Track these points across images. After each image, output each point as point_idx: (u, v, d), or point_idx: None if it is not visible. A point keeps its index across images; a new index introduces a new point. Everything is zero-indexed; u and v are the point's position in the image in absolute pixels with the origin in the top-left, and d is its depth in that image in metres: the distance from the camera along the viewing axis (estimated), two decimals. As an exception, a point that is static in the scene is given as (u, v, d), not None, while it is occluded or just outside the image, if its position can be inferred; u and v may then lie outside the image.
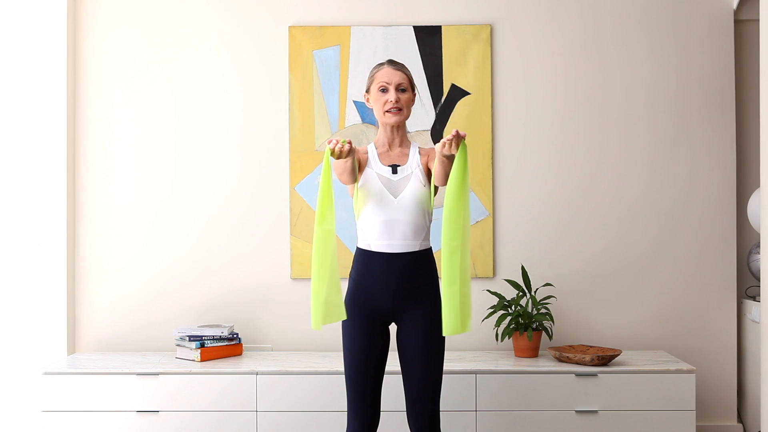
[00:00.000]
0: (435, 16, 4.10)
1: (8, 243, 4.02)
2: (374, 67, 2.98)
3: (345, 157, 2.70)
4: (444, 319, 2.72)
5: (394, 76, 2.91)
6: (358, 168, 2.89)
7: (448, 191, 2.71)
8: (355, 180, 2.86)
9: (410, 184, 2.87)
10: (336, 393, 3.53)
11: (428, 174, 2.93)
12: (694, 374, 3.56)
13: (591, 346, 3.85)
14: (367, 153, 2.94)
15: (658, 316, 4.07)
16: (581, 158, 4.08)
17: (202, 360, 3.76)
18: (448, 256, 2.71)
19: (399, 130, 2.95)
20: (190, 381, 3.60)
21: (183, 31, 4.13)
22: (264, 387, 3.59)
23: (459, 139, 2.64)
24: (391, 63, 2.95)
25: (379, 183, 2.87)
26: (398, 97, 2.90)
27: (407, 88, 2.93)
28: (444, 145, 2.66)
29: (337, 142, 2.66)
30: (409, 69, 3.00)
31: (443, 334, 2.74)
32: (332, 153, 2.67)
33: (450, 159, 2.73)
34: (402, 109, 2.91)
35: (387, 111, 2.90)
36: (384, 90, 2.91)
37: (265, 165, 4.11)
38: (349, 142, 2.67)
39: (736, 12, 4.08)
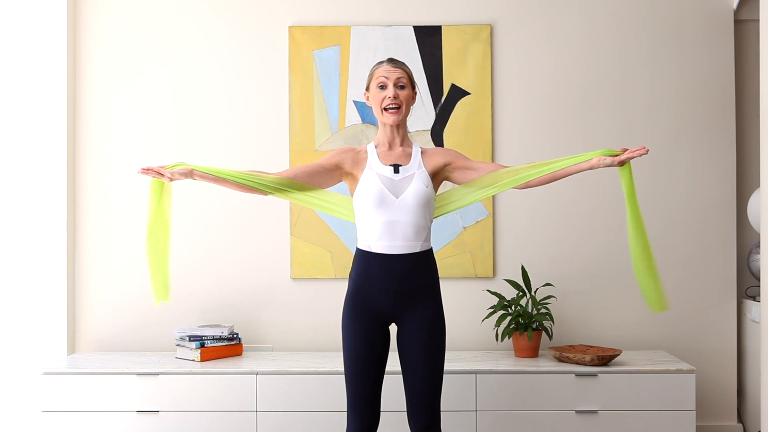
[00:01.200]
0: (435, 16, 4.10)
1: (8, 243, 4.02)
2: (374, 65, 2.97)
3: (181, 178, 2.89)
4: (649, 297, 2.94)
5: (394, 73, 2.89)
6: (338, 171, 2.93)
7: (630, 207, 2.98)
8: (258, 192, 3.01)
9: (413, 185, 2.85)
10: (336, 393, 3.53)
11: (433, 177, 2.92)
12: (694, 374, 3.57)
13: (591, 346, 3.85)
14: (366, 153, 2.93)
15: (658, 316, 4.07)
16: (581, 158, 4.08)
17: (202, 360, 3.77)
18: (641, 247, 2.95)
19: (399, 129, 2.93)
20: (190, 381, 3.60)
21: (183, 31, 4.13)
22: (264, 387, 3.59)
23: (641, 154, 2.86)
24: (391, 61, 2.94)
25: (380, 183, 2.85)
26: (396, 93, 2.87)
27: (406, 85, 2.90)
28: (616, 158, 2.88)
29: (149, 169, 2.88)
30: (409, 67, 2.98)
31: (652, 311, 2.97)
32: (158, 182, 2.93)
33: (612, 166, 2.92)
34: (400, 106, 2.88)
35: (385, 108, 2.89)
36: (383, 86, 2.89)
37: (265, 165, 4.09)
38: (157, 168, 2.89)
39: (736, 12, 4.08)
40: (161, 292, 3.07)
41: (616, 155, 2.87)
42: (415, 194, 2.84)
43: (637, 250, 2.93)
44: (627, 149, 2.88)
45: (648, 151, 2.86)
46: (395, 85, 2.88)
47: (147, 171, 2.86)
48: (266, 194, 3.00)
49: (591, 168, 2.89)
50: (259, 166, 4.09)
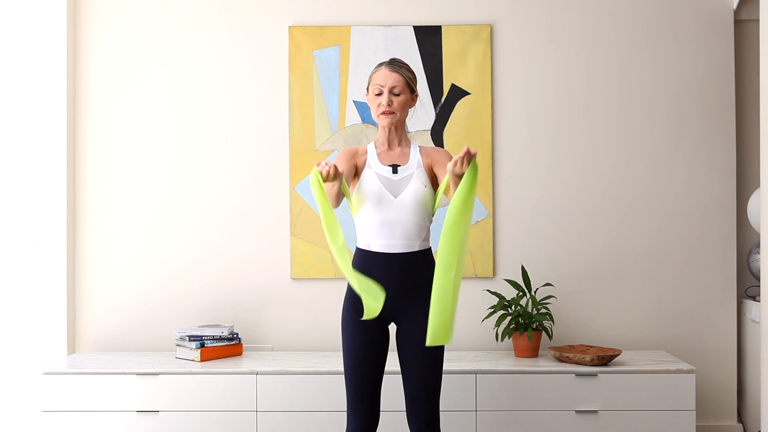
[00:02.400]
0: (435, 16, 4.10)
1: (8, 243, 4.02)
2: (375, 67, 2.98)
3: (332, 181, 2.68)
4: (429, 330, 2.67)
5: (389, 79, 2.90)
6: (356, 171, 2.91)
7: (452, 205, 2.65)
8: (338, 204, 2.81)
9: (411, 184, 2.87)
10: (336, 393, 3.53)
11: (430, 175, 2.92)
12: (694, 374, 3.56)
13: (591, 346, 3.85)
14: (366, 153, 2.94)
15: (658, 316, 4.07)
16: (581, 158, 4.08)
17: (202, 360, 3.76)
18: (444, 270, 2.66)
19: (398, 130, 2.95)
20: (190, 381, 3.60)
21: (183, 31, 4.13)
22: (264, 387, 3.59)
23: (470, 156, 2.61)
24: (390, 64, 2.94)
25: (379, 183, 2.86)
26: (390, 101, 2.89)
27: (402, 90, 2.90)
28: (456, 164, 2.63)
29: (325, 164, 2.64)
30: (411, 69, 2.97)
31: (426, 344, 2.69)
32: (321, 175, 2.65)
33: (461, 177, 2.66)
34: (394, 112, 2.89)
35: (380, 114, 2.91)
36: (378, 93, 2.91)
37: (265, 165, 4.11)
38: (335, 167, 2.65)
39: (736, 12, 4.08)
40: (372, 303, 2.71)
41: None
42: (414, 194, 2.85)
43: (448, 267, 2.67)
44: (460, 157, 2.63)
45: (470, 150, 2.59)
46: (390, 92, 2.89)
47: (331, 170, 2.64)
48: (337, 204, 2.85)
49: (452, 174, 2.68)
50: (258, 166, 4.12)
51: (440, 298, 2.67)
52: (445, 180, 2.82)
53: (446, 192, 2.84)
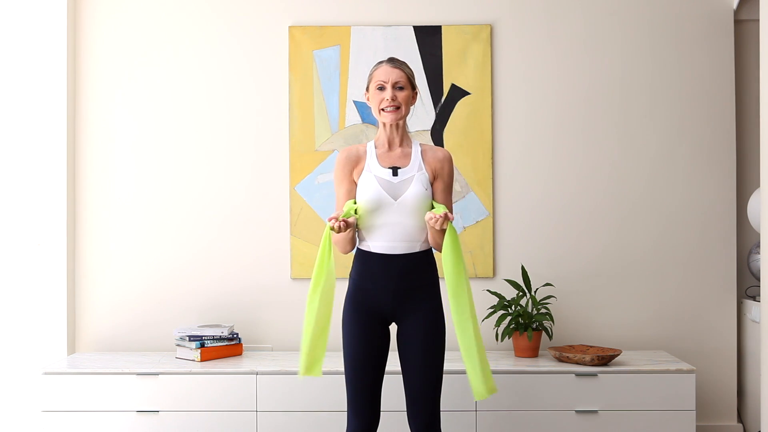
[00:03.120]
0: (435, 16, 4.10)
1: (8, 243, 4.02)
2: (374, 66, 2.97)
3: (345, 231, 2.76)
4: (473, 385, 2.81)
5: (392, 74, 2.89)
6: (355, 173, 2.92)
7: (447, 267, 2.78)
8: (353, 247, 2.92)
9: (412, 187, 2.85)
10: (336, 393, 3.53)
11: (432, 179, 2.91)
12: (694, 374, 3.56)
13: (591, 346, 3.85)
14: (364, 154, 2.92)
15: (658, 316, 4.07)
16: (581, 158, 4.08)
17: (202, 360, 3.76)
18: (462, 330, 2.81)
19: (399, 129, 2.93)
20: (190, 381, 3.60)
21: (183, 31, 4.13)
22: (264, 387, 3.59)
23: (446, 221, 2.73)
24: (390, 61, 2.94)
25: (378, 187, 2.84)
26: (395, 95, 2.88)
27: (405, 86, 2.90)
28: (431, 218, 2.74)
29: (336, 220, 2.72)
30: (410, 67, 2.98)
31: (476, 399, 2.91)
32: (332, 229, 2.74)
33: (440, 231, 2.80)
34: (399, 107, 2.89)
35: (383, 109, 2.89)
36: (381, 88, 2.89)
37: (265, 165, 4.11)
38: (345, 222, 2.73)
39: (736, 12, 4.08)
40: (311, 365, 2.80)
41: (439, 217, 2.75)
42: (414, 197, 2.84)
43: (465, 327, 2.80)
44: (439, 216, 2.73)
45: (448, 215, 2.72)
46: (393, 87, 2.89)
47: (342, 225, 2.74)
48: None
49: (431, 228, 2.80)
50: (259, 166, 4.12)
51: (468, 355, 2.81)
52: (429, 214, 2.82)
53: (432, 243, 2.90)
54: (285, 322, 4.09)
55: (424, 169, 2.89)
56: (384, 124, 2.93)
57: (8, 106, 4.03)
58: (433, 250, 2.93)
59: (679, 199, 4.08)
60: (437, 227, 2.74)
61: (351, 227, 2.78)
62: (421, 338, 2.83)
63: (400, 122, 2.93)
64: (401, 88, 2.90)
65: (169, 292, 4.10)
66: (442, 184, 2.92)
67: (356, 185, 2.91)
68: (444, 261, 2.79)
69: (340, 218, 2.74)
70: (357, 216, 2.85)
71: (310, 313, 2.79)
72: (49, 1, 4.03)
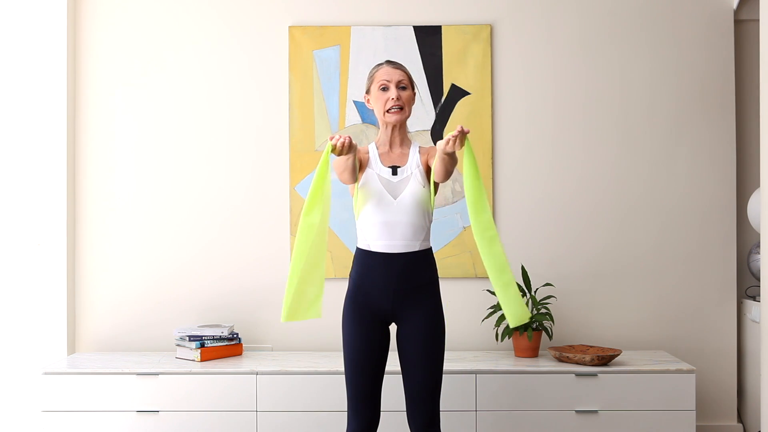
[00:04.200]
0: (435, 16, 4.10)
1: (8, 243, 4.02)
2: (373, 68, 2.98)
3: (346, 154, 2.72)
4: (508, 311, 2.75)
5: (394, 74, 2.90)
6: (359, 167, 2.90)
7: (468, 187, 2.74)
8: (355, 179, 2.86)
9: (410, 185, 2.87)
10: (336, 393, 3.53)
11: (428, 173, 2.92)
12: (694, 374, 3.57)
13: (591, 346, 3.85)
14: (368, 153, 2.94)
15: (658, 316, 4.07)
16: (581, 158, 4.08)
17: (202, 360, 3.76)
18: (489, 246, 2.74)
19: (399, 130, 2.95)
20: (190, 381, 3.60)
21: (183, 31, 4.13)
22: (264, 387, 3.59)
23: (463, 135, 2.66)
24: (390, 62, 2.95)
25: (379, 184, 2.87)
26: (399, 95, 2.89)
27: (407, 86, 2.92)
28: (448, 143, 2.66)
29: (340, 137, 2.68)
30: (407, 68, 2.99)
31: (511, 326, 2.90)
32: (334, 149, 2.69)
33: (451, 156, 2.74)
34: (403, 107, 2.90)
35: (388, 110, 2.90)
36: (385, 88, 2.90)
37: (265, 165, 4.11)
38: (350, 138, 2.70)
39: (736, 12, 4.08)
40: (307, 310, 2.77)
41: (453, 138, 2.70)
42: (413, 195, 2.85)
43: (485, 246, 2.74)
44: (453, 136, 2.68)
45: (463, 129, 2.65)
46: (397, 87, 2.89)
47: (346, 142, 2.67)
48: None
49: (442, 152, 2.72)
50: (259, 166, 4.12)
51: (499, 274, 2.75)
52: (434, 166, 2.81)
53: (437, 177, 2.82)
54: (285, 322, 4.08)
55: (421, 166, 2.90)
56: (387, 126, 2.93)
57: (8, 106, 4.03)
58: (432, 250, 2.93)
59: (679, 199, 4.08)
60: (457, 148, 2.66)
61: (353, 151, 2.74)
62: (421, 338, 2.83)
63: (402, 123, 2.94)
64: (404, 88, 2.91)
65: (169, 292, 4.10)
66: (433, 159, 2.89)
67: (359, 165, 2.89)
68: (466, 176, 2.73)
69: (347, 137, 2.68)
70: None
71: (305, 236, 2.74)
72: (49, 1, 4.03)
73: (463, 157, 2.74)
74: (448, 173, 2.78)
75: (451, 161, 2.75)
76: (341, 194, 3.83)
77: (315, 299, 2.79)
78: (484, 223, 2.75)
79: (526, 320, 2.79)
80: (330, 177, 2.79)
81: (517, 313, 2.77)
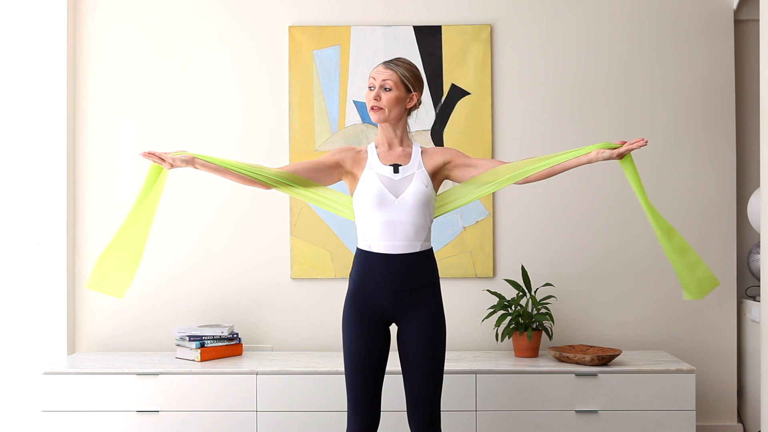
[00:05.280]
0: (435, 16, 4.10)
1: (8, 243, 4.02)
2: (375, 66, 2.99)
3: (182, 166, 2.85)
4: (692, 285, 3.01)
5: (381, 74, 2.88)
6: (339, 169, 2.92)
7: (643, 200, 2.94)
8: (247, 183, 2.95)
9: (412, 185, 2.85)
10: (336, 393, 3.53)
11: (433, 176, 2.91)
12: (694, 374, 3.57)
13: (591, 346, 3.85)
14: (366, 153, 2.93)
15: (658, 316, 4.07)
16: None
17: (202, 360, 3.76)
18: (668, 239, 2.94)
19: (397, 129, 2.93)
20: (190, 381, 3.60)
21: (183, 31, 4.13)
22: (264, 387, 3.59)
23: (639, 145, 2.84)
24: (387, 62, 2.92)
25: (380, 183, 2.85)
26: (378, 95, 2.86)
27: (394, 87, 2.87)
28: (615, 152, 2.88)
29: (151, 153, 2.84)
30: (410, 69, 2.91)
31: (698, 298, 3.04)
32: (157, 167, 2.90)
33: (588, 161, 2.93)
34: (382, 108, 2.87)
35: (369, 109, 2.90)
36: (371, 88, 2.90)
37: (265, 164, 4.10)
38: (151, 152, 2.85)
39: (736, 12, 4.08)
40: (116, 283, 2.95)
41: (615, 148, 2.86)
42: (415, 194, 2.84)
43: (664, 238, 2.93)
44: (626, 142, 2.89)
45: (647, 142, 2.85)
46: (381, 87, 2.88)
47: (149, 155, 2.83)
48: (268, 187, 2.95)
49: (589, 162, 2.91)
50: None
51: (677, 253, 2.96)
52: (516, 169, 2.92)
53: (454, 178, 2.95)
54: (285, 322, 4.09)
55: (424, 167, 2.89)
56: (380, 125, 2.93)
57: (8, 106, 4.03)
58: (433, 251, 2.93)
59: (679, 199, 4.08)
60: (620, 156, 2.89)
61: (182, 163, 2.86)
62: (422, 339, 2.82)
63: (400, 122, 2.92)
64: (388, 90, 2.88)
65: (169, 292, 4.10)
66: (460, 158, 2.94)
67: (343, 171, 2.92)
68: (639, 194, 2.94)
69: (158, 152, 2.84)
70: (212, 160, 2.89)
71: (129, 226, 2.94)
72: (49, 1, 4.03)
73: (632, 168, 2.94)
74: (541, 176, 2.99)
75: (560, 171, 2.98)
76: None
77: (125, 278, 2.93)
78: (661, 220, 2.94)
79: (714, 287, 3.04)
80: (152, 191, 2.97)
81: (703, 285, 3.04)
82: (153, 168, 2.91)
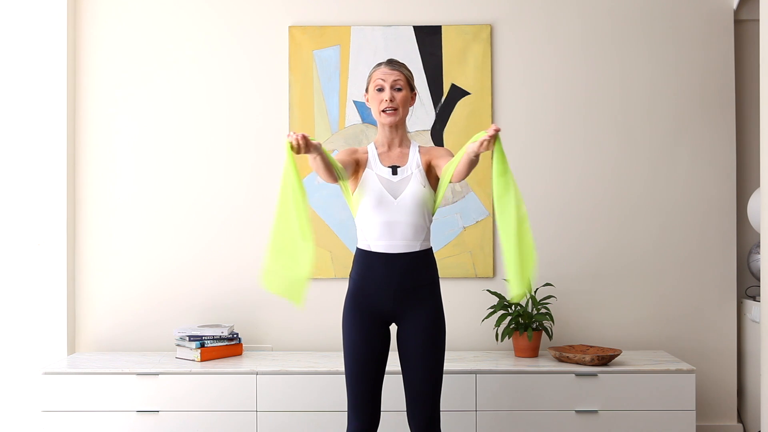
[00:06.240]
0: (435, 16, 4.10)
1: (8, 243, 4.02)
2: (373, 67, 2.98)
3: (306, 152, 2.65)
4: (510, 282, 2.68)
5: (390, 75, 2.90)
6: (357, 167, 2.90)
7: (497, 184, 2.67)
8: (334, 178, 2.81)
9: (410, 185, 2.86)
10: (336, 393, 3.53)
11: (428, 174, 2.92)
12: (694, 374, 3.57)
13: (591, 346, 3.85)
14: (367, 153, 2.94)
15: (658, 316, 4.07)
16: (581, 158, 4.08)
17: (202, 360, 3.76)
18: (502, 210, 2.67)
19: (398, 130, 2.94)
20: (190, 381, 3.60)
21: (183, 31, 4.13)
22: (264, 387, 3.59)
23: (495, 135, 2.61)
24: (389, 63, 2.94)
25: (379, 184, 2.86)
26: (393, 96, 2.88)
27: (403, 87, 2.91)
28: (482, 144, 2.62)
29: (294, 133, 2.62)
30: (409, 69, 2.98)
31: (516, 298, 2.70)
32: (292, 147, 2.63)
33: (477, 157, 2.72)
34: (397, 108, 2.89)
35: (382, 111, 2.89)
36: (380, 89, 2.90)
37: (265, 165, 4.11)
38: (304, 136, 2.62)
39: (736, 12, 4.08)
40: (295, 291, 2.66)
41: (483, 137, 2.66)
42: (413, 195, 2.85)
43: (513, 223, 2.66)
44: (488, 138, 2.64)
45: (497, 129, 2.59)
46: (392, 88, 2.89)
47: (300, 139, 2.62)
48: (336, 180, 2.84)
49: (473, 154, 2.69)
50: (258, 166, 4.12)
51: (507, 241, 2.65)
52: (449, 169, 2.80)
53: (457, 177, 2.80)
54: (285, 322, 4.09)
55: (421, 166, 2.90)
56: (383, 126, 2.93)
57: (8, 106, 4.03)
58: (432, 250, 2.93)
59: (679, 199, 4.08)
60: (489, 148, 2.62)
61: (314, 150, 2.66)
62: (422, 338, 2.83)
63: (401, 123, 2.94)
64: (399, 90, 2.90)
65: (169, 292, 4.10)
66: (441, 159, 2.87)
67: (356, 167, 2.89)
68: (497, 172, 2.65)
69: (300, 134, 2.61)
70: (324, 152, 2.73)
71: (283, 209, 2.72)
72: (49, 1, 4.03)
73: (494, 154, 2.66)
74: (468, 174, 2.79)
75: (475, 163, 2.75)
76: (339, 195, 3.82)
77: (299, 283, 2.66)
78: (506, 196, 2.68)
79: (518, 298, 2.72)
80: (297, 174, 2.69)
81: (513, 289, 2.68)
82: (291, 152, 2.67)
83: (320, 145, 2.71)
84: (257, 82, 4.12)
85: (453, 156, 2.90)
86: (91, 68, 4.13)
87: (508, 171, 2.69)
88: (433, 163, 2.91)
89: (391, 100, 2.87)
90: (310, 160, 2.77)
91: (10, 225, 4.03)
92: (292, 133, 2.64)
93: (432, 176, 2.93)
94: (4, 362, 4.01)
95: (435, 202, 2.91)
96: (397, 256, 2.84)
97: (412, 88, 2.95)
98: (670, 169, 4.08)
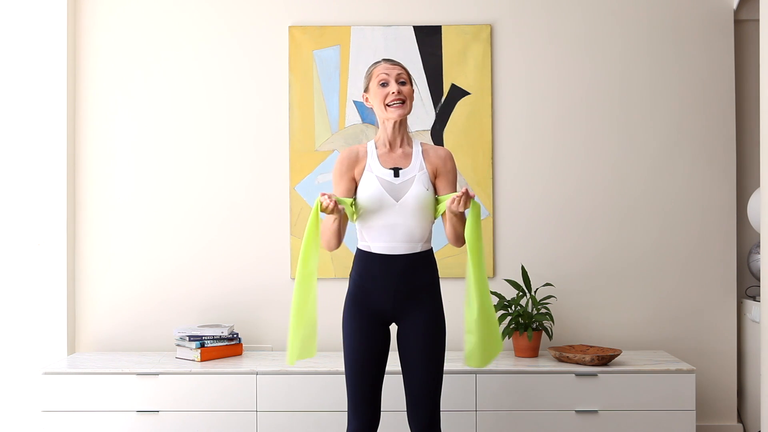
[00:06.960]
0: (435, 16, 4.10)
1: (8, 243, 4.02)
2: (370, 66, 2.95)
3: (329, 213, 2.74)
4: (477, 354, 2.85)
5: (393, 69, 2.88)
6: (355, 172, 2.89)
7: (470, 247, 2.76)
8: (337, 243, 2.89)
9: (413, 188, 2.84)
10: (336, 393, 3.53)
11: (432, 177, 2.89)
12: (694, 374, 3.57)
13: (591, 346, 3.85)
14: (366, 155, 2.90)
15: (658, 316, 4.07)
16: (581, 158, 4.09)
17: (202, 360, 3.76)
18: (484, 298, 2.83)
19: (401, 128, 2.91)
20: (190, 381, 3.60)
21: (183, 31, 4.13)
22: (264, 387, 3.59)
23: (468, 198, 2.69)
24: (387, 60, 2.93)
25: (380, 187, 2.83)
26: (399, 89, 2.86)
27: (407, 80, 2.89)
28: (453, 201, 2.71)
29: (330, 197, 2.71)
30: (405, 66, 2.98)
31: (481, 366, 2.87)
32: (321, 205, 2.72)
33: (460, 217, 2.80)
34: (405, 100, 2.87)
35: (389, 104, 2.86)
36: (384, 83, 2.87)
37: (265, 165, 4.11)
38: (335, 201, 2.71)
39: (736, 12, 4.08)
40: (307, 351, 2.84)
41: (457, 197, 2.74)
42: (416, 198, 2.83)
43: (479, 297, 2.82)
44: (458, 196, 2.72)
45: (469, 191, 2.69)
46: (396, 81, 2.87)
47: (331, 203, 2.72)
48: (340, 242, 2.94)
49: (453, 214, 2.80)
50: (258, 166, 4.12)
51: (470, 315, 2.82)
52: (441, 207, 2.85)
53: (452, 241, 2.91)
54: (285, 322, 4.06)
55: (425, 168, 2.88)
56: (385, 123, 2.90)
57: (8, 106, 4.03)
58: (433, 251, 2.93)
59: (679, 199, 4.08)
60: (460, 208, 2.70)
61: (339, 213, 2.76)
62: (422, 338, 2.82)
63: (403, 120, 2.91)
64: (404, 83, 2.89)
65: (169, 292, 4.11)
66: (445, 181, 2.90)
67: (356, 184, 2.90)
68: (468, 244, 2.75)
69: (333, 198, 2.72)
70: (351, 211, 2.84)
71: (306, 285, 2.79)
72: (49, 1, 4.03)
73: (469, 218, 2.75)
74: (459, 237, 2.85)
75: (460, 222, 2.81)
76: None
77: (314, 341, 2.85)
78: (475, 280, 2.79)
79: (478, 365, 2.87)
80: (319, 236, 2.80)
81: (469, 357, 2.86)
82: (317, 210, 2.77)
83: (344, 209, 2.79)
84: (257, 83, 4.12)
85: (452, 163, 2.93)
86: (91, 68, 4.13)
87: (480, 241, 2.77)
88: (437, 181, 2.90)
89: (398, 93, 2.85)
90: (328, 220, 2.83)
91: (10, 225, 4.03)
92: (325, 194, 2.71)
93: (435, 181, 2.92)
94: (4, 362, 4.01)
95: (436, 211, 2.89)
96: (397, 257, 2.83)
97: (412, 82, 2.93)
98: (670, 169, 4.08)
